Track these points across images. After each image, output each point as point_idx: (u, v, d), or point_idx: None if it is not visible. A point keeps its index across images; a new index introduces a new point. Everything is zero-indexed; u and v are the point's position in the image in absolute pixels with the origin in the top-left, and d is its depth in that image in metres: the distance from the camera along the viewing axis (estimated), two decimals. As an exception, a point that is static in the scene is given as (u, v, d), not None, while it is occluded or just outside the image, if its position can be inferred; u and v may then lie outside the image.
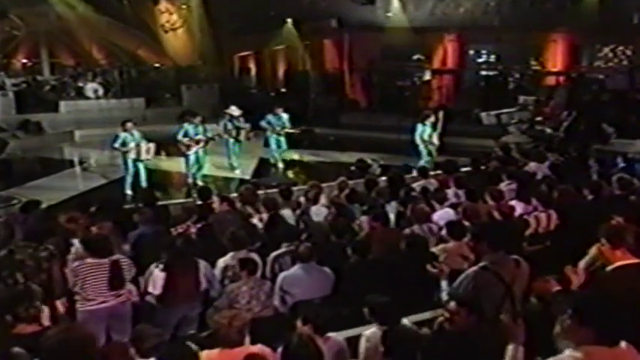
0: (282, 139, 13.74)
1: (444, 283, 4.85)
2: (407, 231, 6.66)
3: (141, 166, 11.36)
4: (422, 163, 11.71)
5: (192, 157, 11.94)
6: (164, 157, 13.29)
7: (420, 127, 12.17)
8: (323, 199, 8.31)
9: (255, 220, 7.46)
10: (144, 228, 6.91)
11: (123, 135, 11.09)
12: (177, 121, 11.78)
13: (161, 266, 5.39)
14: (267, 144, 14.09)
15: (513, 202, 7.47)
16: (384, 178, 9.72)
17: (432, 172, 10.03)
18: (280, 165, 13.95)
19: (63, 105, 18.91)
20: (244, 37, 21.75)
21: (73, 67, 20.57)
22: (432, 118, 12.26)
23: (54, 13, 20.69)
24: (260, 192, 9.00)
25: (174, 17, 23.36)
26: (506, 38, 18.00)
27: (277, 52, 23.08)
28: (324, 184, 8.88)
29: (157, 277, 5.38)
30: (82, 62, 21.02)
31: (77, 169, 13.82)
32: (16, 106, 18.01)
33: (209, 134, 12.09)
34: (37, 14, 20.70)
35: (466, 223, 6.31)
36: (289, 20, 20.85)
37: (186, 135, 11.81)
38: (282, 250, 6.19)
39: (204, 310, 5.63)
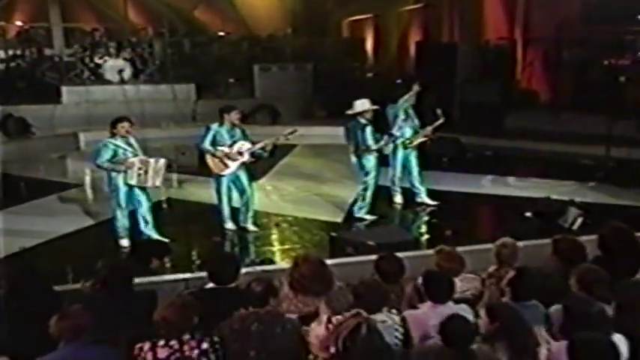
0: (414, 154, 11.91)
1: None
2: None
3: (142, 196, 9.70)
4: None
5: (225, 182, 10.14)
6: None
7: None
8: (465, 285, 6.44)
9: (312, 336, 5.26)
10: (68, 350, 4.99)
11: (113, 144, 9.35)
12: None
13: None
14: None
15: None
16: (591, 237, 7.60)
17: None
18: (398, 199, 11.85)
19: (66, 92, 18.68)
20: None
21: (89, 33, 20.77)
22: None
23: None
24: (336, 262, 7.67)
25: (254, -38, 24.57)
26: None
27: (408, 15, 23.20)
28: (464, 249, 7.15)
29: None
30: (105, 28, 21.19)
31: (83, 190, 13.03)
32: (-7, 93, 18.44)
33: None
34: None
35: None
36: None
37: (214, 142, 9.99)
38: None
39: None
